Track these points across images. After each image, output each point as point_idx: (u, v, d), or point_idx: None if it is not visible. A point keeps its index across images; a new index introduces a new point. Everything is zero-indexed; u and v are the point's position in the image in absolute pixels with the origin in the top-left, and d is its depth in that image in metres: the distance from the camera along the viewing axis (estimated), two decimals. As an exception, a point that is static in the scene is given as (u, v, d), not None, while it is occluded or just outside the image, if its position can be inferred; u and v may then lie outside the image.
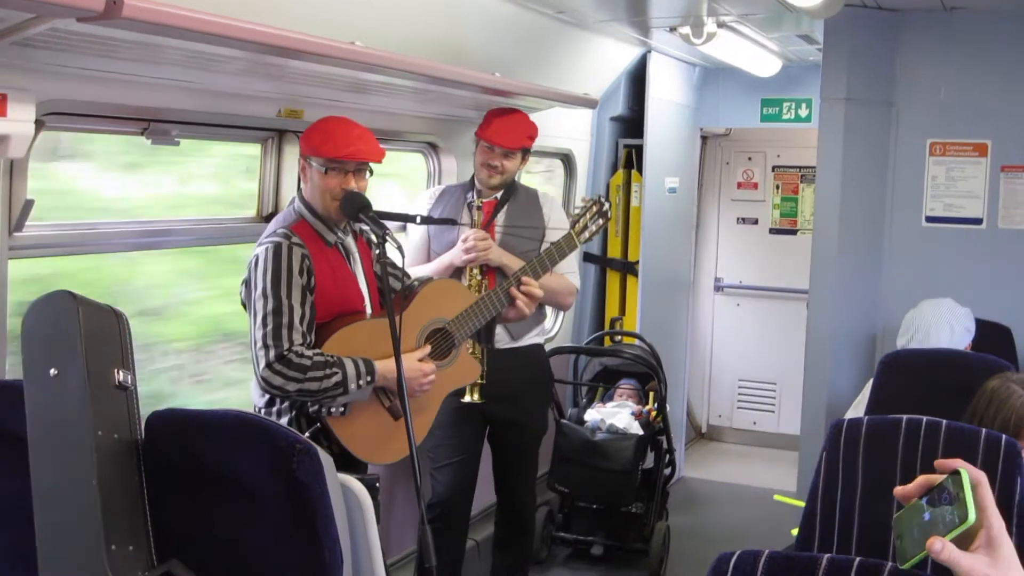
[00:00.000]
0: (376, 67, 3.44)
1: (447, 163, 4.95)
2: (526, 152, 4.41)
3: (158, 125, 3.29)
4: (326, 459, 2.10)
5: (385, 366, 3.28)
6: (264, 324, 3.14)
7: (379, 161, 3.37)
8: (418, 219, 3.64)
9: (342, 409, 3.28)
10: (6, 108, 2.56)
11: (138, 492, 2.15)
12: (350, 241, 3.50)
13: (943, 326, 4.15)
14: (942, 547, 1.30)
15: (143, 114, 3.24)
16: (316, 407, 3.25)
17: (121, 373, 2.17)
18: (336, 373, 3.18)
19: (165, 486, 2.15)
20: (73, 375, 2.10)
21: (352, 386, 3.21)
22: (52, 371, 2.10)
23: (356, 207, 3.30)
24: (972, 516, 1.30)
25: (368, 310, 3.50)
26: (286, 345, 3.12)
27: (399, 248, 3.23)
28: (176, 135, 3.37)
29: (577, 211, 4.18)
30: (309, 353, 3.16)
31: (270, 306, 3.15)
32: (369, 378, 3.24)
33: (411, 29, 4.04)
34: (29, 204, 2.85)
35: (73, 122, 3.09)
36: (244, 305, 3.33)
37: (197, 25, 2.60)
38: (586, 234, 4.12)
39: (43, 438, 2.10)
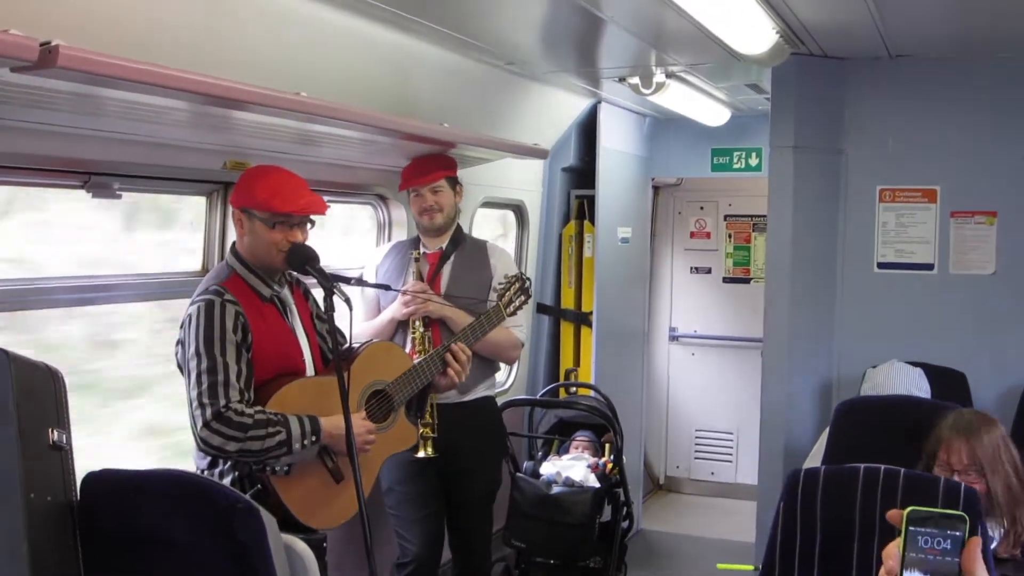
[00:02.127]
0: (323, 118, 3.39)
1: (396, 214, 4.91)
2: (454, 182, 4.41)
3: (99, 178, 3.23)
4: (268, 519, 2.04)
5: (331, 423, 3.21)
6: (199, 383, 3.04)
7: (324, 213, 3.32)
8: (352, 281, 3.51)
9: (286, 468, 3.18)
10: (-61, 162, 2.49)
11: (72, 556, 2.07)
12: (286, 294, 3.43)
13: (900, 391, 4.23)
14: None
15: (83, 167, 3.17)
16: (259, 466, 3.16)
17: (56, 433, 2.10)
18: (279, 432, 3.08)
19: (101, 549, 2.07)
20: (5, 435, 2.02)
21: (296, 445, 3.11)
22: (-19, 431, 2.03)
23: (303, 259, 3.26)
24: None
25: (309, 367, 3.42)
26: (223, 402, 3.02)
27: (347, 301, 3.19)
28: (118, 188, 3.30)
29: (501, 286, 4.15)
30: (250, 411, 3.06)
31: (204, 364, 3.05)
32: (314, 437, 3.16)
33: (358, 80, 4.02)
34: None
35: (10, 176, 3.02)
36: (180, 367, 3.22)
37: (136, 75, 2.54)
38: (511, 308, 4.12)
39: (-28, 501, 2.02)
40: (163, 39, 3.00)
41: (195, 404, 3.04)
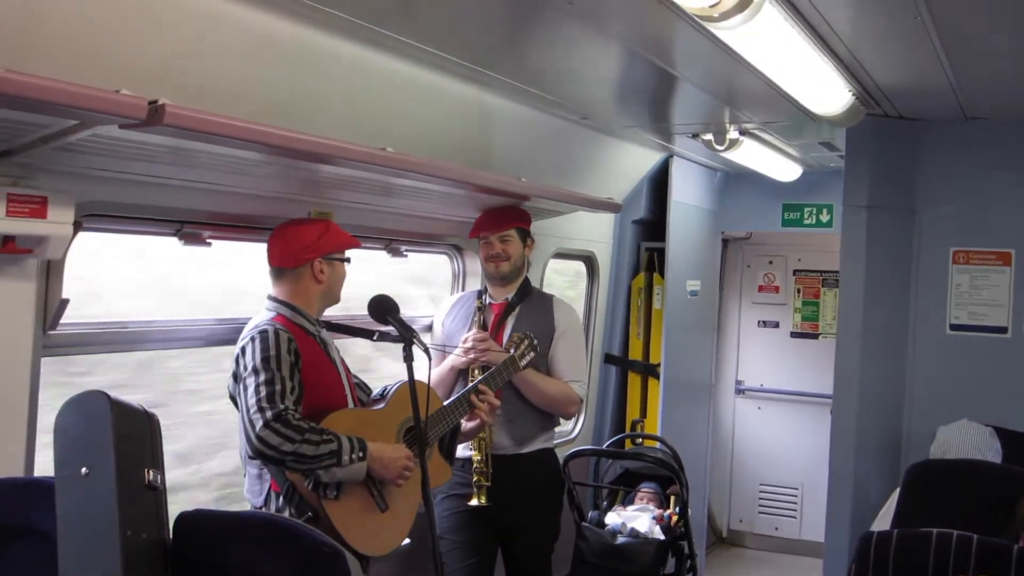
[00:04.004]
0: (406, 172, 3.50)
1: (471, 264, 5.00)
2: (525, 234, 4.48)
3: (191, 227, 3.36)
4: (353, 563, 2.10)
5: (376, 446, 3.34)
6: (257, 392, 3.15)
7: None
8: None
9: (335, 493, 3.28)
10: (46, 210, 2.61)
11: (164, 593, 2.15)
12: (327, 334, 3.58)
13: (974, 454, 4.19)
14: None
15: (177, 215, 3.30)
16: (311, 483, 3.25)
17: (151, 473, 2.19)
18: (331, 441, 3.20)
19: (191, 587, 2.15)
20: (104, 474, 2.12)
21: (345, 458, 3.22)
22: (83, 470, 2.12)
23: (385, 310, 3.42)
24: None
25: (349, 403, 3.54)
26: (282, 406, 3.14)
27: (426, 350, 3.31)
28: (208, 236, 3.43)
29: (514, 342, 4.22)
30: (304, 421, 3.18)
31: (262, 378, 3.18)
32: (361, 453, 3.27)
33: (439, 134, 4.12)
34: (64, 303, 2.90)
35: (109, 224, 3.16)
36: (233, 399, 3.36)
37: (234, 132, 2.66)
38: (523, 362, 4.19)
39: (72, 536, 2.12)
40: (257, 96, 3.12)
41: (254, 410, 3.13)
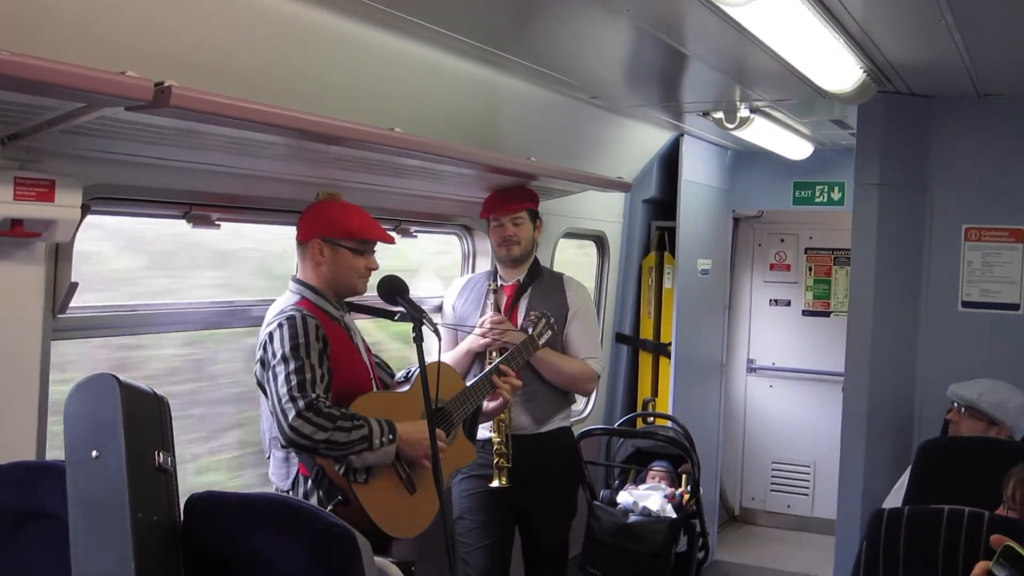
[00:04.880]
0: (415, 152, 3.49)
1: (481, 244, 4.99)
2: (535, 216, 4.46)
3: (199, 209, 3.36)
4: (363, 543, 2.10)
5: (404, 428, 3.33)
6: (288, 382, 3.15)
7: (393, 243, 3.63)
8: (397, 316, 3.56)
9: (364, 477, 3.29)
10: (54, 194, 2.61)
11: (175, 573, 2.15)
12: (350, 319, 3.56)
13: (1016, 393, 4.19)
14: None
15: (185, 198, 3.30)
16: (342, 468, 3.25)
17: (161, 455, 2.19)
18: (363, 426, 3.20)
19: (203, 569, 2.15)
20: (114, 457, 2.12)
21: (376, 442, 3.22)
22: (93, 453, 2.12)
23: (395, 290, 3.41)
24: None
25: (373, 387, 3.54)
26: (313, 395, 3.14)
27: (436, 331, 3.31)
28: (216, 219, 3.43)
29: (531, 321, 4.22)
30: (336, 408, 3.18)
31: (292, 367, 3.17)
32: (391, 435, 3.28)
33: (448, 114, 4.11)
34: (73, 287, 2.90)
35: (117, 206, 3.16)
36: (260, 386, 3.34)
37: (242, 113, 2.65)
38: (542, 340, 4.19)
39: (83, 519, 2.12)
40: (265, 77, 3.12)
41: (285, 400, 3.12)
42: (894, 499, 4.05)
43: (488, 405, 3.98)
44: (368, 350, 3.62)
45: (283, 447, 3.26)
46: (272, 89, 3.09)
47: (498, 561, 4.42)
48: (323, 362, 3.24)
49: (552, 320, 4.22)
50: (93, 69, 2.23)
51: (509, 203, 4.40)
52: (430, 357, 3.35)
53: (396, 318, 3.50)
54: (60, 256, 2.87)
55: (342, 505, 3.24)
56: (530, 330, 4.17)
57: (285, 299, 3.45)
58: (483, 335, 4.27)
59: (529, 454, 4.24)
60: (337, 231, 3.42)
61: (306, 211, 3.49)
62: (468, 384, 3.89)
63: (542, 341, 4.18)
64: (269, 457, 3.45)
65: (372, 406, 3.34)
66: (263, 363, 3.28)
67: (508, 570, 4.48)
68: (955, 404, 4.26)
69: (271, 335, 3.25)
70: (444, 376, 3.75)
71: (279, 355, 3.20)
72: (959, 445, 3.89)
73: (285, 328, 3.23)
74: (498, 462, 4.17)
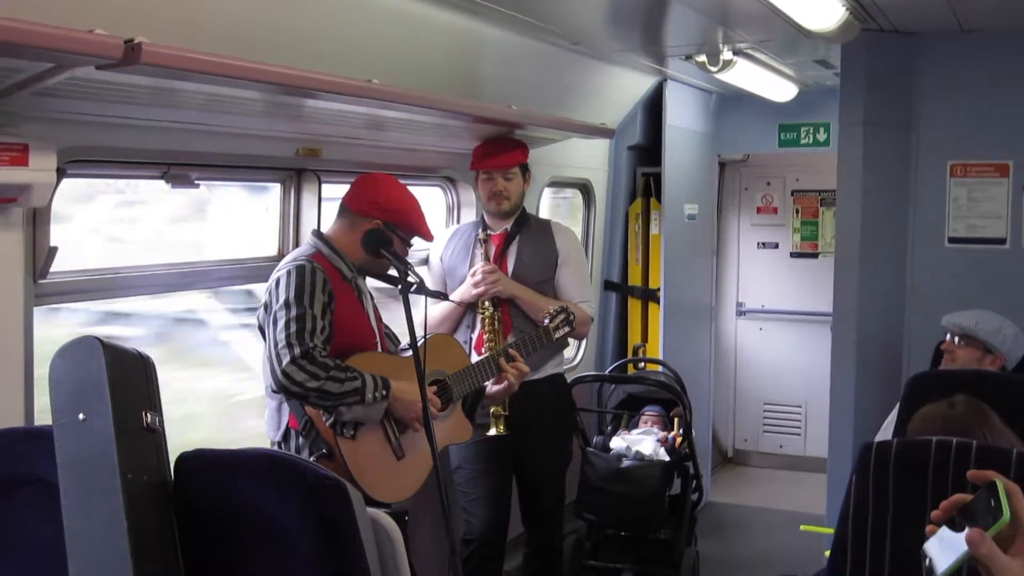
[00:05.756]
0: (394, 103, 3.46)
1: (465, 195, 4.97)
2: (525, 169, 4.43)
3: (177, 169, 3.33)
4: (355, 495, 2.10)
5: (399, 386, 3.33)
6: (287, 328, 3.16)
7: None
8: (398, 288, 3.48)
9: (352, 432, 3.29)
10: (28, 158, 2.58)
11: (169, 533, 2.15)
12: (363, 282, 3.56)
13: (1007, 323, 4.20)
14: (981, 539, 1.30)
15: (163, 158, 3.27)
16: (330, 420, 3.25)
17: (149, 416, 2.18)
18: (356, 379, 3.21)
19: (195, 526, 2.15)
20: (101, 419, 2.11)
21: (369, 396, 3.23)
22: (80, 416, 2.11)
23: (378, 243, 3.41)
24: (1006, 513, 1.30)
25: (378, 350, 3.53)
26: (310, 344, 3.15)
27: (421, 283, 3.30)
28: (196, 178, 3.40)
29: (550, 314, 4.13)
30: (330, 359, 3.19)
31: (293, 313, 3.18)
32: (384, 391, 3.28)
33: (427, 64, 4.07)
34: (53, 251, 2.87)
35: (93, 168, 3.13)
36: (261, 329, 3.35)
37: (215, 68, 2.62)
38: (558, 334, 4.13)
39: (74, 483, 2.11)
40: (236, 32, 3.08)
41: (282, 345, 3.14)
42: (884, 435, 4.07)
43: (492, 388, 3.95)
44: (379, 318, 3.61)
45: (274, 392, 3.27)
46: (247, 43, 3.05)
47: (499, 508, 4.46)
48: (325, 315, 3.25)
49: (572, 317, 4.16)
50: (60, 28, 2.20)
51: (501, 155, 4.35)
52: (417, 311, 3.33)
53: (399, 288, 3.39)
54: (38, 221, 2.84)
55: (325, 458, 3.25)
56: (546, 321, 4.13)
57: (301, 250, 3.47)
58: (475, 285, 4.26)
59: (525, 400, 4.24)
60: (404, 225, 3.49)
61: (373, 185, 3.51)
62: (473, 362, 3.86)
63: (557, 335, 4.14)
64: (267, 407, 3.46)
65: (370, 363, 3.34)
66: (266, 307, 3.30)
67: (508, 516, 4.51)
68: (949, 334, 4.27)
69: (278, 280, 3.28)
70: (448, 349, 3.77)
71: (282, 300, 3.21)
72: (947, 378, 3.90)
73: (293, 275, 3.25)
74: (495, 411, 4.17)
